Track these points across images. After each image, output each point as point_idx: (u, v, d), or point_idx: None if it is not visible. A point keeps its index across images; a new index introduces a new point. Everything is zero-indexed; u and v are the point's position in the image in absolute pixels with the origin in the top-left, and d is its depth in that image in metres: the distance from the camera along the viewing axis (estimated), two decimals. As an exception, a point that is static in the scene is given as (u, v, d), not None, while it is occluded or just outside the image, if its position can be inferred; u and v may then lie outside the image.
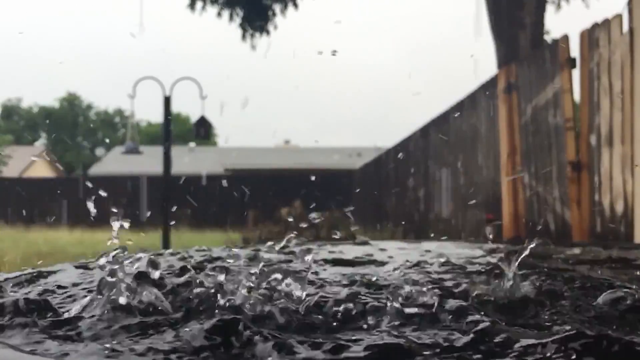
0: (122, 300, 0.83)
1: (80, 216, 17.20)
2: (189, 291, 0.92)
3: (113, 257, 0.94)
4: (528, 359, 0.63)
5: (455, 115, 9.26)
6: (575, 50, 5.64)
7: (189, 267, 1.09)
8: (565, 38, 5.81)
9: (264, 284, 0.91)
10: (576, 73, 5.61)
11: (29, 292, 1.04)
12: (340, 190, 19.70)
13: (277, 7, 13.28)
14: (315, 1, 14.11)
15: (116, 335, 0.74)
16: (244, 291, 0.86)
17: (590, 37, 5.32)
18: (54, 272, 1.28)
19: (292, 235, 1.69)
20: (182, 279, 0.99)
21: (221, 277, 0.94)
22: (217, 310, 0.83)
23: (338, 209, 14.29)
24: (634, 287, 0.97)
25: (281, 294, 0.89)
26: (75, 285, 1.10)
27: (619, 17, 4.98)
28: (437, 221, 10.32)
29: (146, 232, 15.44)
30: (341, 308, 0.84)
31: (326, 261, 1.45)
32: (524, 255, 1.02)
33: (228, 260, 1.37)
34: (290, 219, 13.31)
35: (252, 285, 0.88)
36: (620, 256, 1.55)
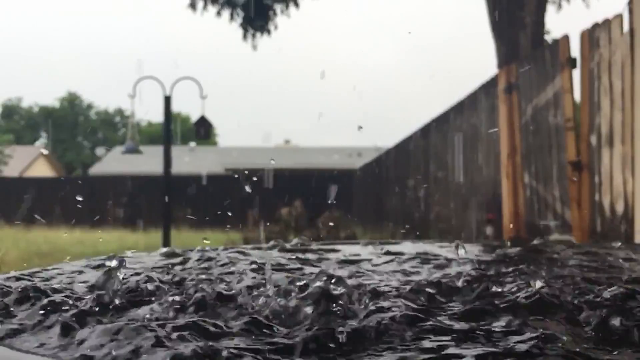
0: None
1: (80, 216, 17.20)
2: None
3: None
4: None
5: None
6: (575, 50, 5.65)
7: None
8: (566, 38, 5.81)
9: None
10: (577, 73, 5.62)
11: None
12: (340, 190, 19.71)
13: (278, 7, 13.29)
14: (316, 1, 14.12)
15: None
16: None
17: (590, 37, 5.32)
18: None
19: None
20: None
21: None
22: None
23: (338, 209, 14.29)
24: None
25: None
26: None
27: (619, 17, 4.98)
28: (438, 221, 10.32)
29: (147, 231, 15.44)
30: None
31: None
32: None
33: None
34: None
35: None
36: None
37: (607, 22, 5.11)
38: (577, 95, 5.67)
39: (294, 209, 14.21)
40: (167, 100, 11.96)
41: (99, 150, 42.62)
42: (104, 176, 26.47)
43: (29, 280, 1.09)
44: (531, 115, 6.50)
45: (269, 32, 13.38)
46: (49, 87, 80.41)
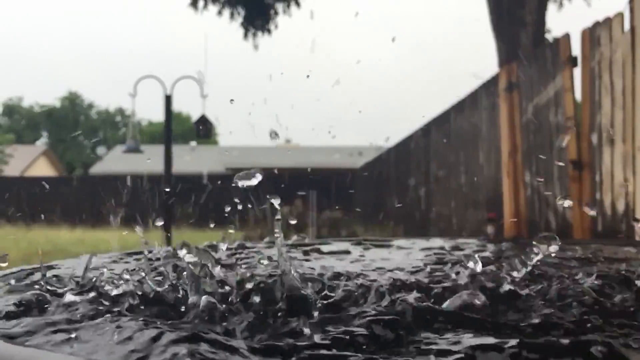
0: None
1: (81, 215, 17.21)
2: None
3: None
4: None
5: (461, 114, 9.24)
6: (576, 49, 5.64)
7: None
8: (567, 37, 5.81)
9: None
10: (577, 72, 5.61)
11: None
12: (341, 190, 19.72)
13: (279, 6, 13.28)
14: (317, 1, 14.11)
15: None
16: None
17: (591, 35, 5.32)
18: None
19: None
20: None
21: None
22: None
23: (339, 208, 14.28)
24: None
25: None
26: None
27: (620, 15, 4.97)
28: (438, 220, 10.32)
29: (148, 230, 15.41)
30: None
31: None
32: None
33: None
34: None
35: None
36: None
37: (608, 21, 5.10)
38: (577, 94, 5.67)
39: (295, 208, 14.20)
40: (168, 99, 11.96)
41: (100, 149, 42.63)
42: (104, 175, 26.47)
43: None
44: (532, 114, 6.50)
45: (269, 31, 13.37)
46: (49, 86, 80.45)
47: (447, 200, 9.77)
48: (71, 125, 56.99)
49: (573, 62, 5.68)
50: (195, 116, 13.97)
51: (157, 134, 42.04)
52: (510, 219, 6.92)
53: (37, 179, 27.87)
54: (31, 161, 38.77)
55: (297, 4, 13.28)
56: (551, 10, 11.87)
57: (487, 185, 7.96)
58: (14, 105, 58.09)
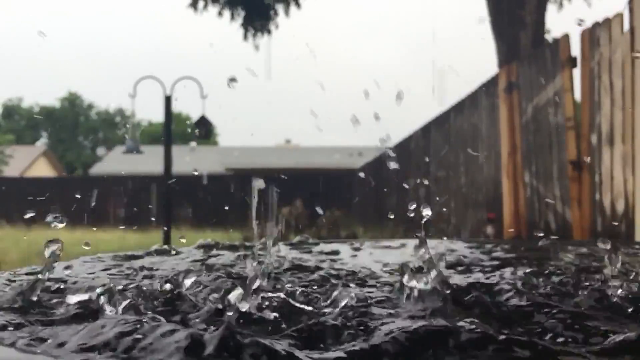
0: None
1: (81, 216, 17.21)
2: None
3: None
4: None
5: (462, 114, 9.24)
6: (576, 49, 5.65)
7: None
8: (566, 37, 5.81)
9: None
10: (577, 72, 5.62)
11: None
12: (341, 190, 19.73)
13: (279, 7, 13.28)
14: (317, 1, 14.12)
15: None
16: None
17: (591, 36, 5.32)
18: None
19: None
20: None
21: None
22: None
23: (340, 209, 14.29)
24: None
25: None
26: None
27: (619, 16, 4.98)
28: (438, 220, 10.32)
29: (147, 231, 15.45)
30: None
31: None
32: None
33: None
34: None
35: None
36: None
37: (607, 21, 5.11)
38: (577, 95, 5.67)
39: (295, 208, 14.21)
40: (168, 100, 11.97)
41: (100, 150, 42.61)
42: (104, 176, 26.47)
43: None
44: (532, 115, 6.50)
45: (269, 32, 13.38)
46: (49, 87, 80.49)
47: (447, 201, 9.77)
48: (71, 126, 56.99)
49: (573, 62, 5.68)
50: (195, 116, 13.96)
51: (157, 134, 42.05)
52: (510, 219, 6.92)
53: (37, 179, 27.85)
54: (31, 162, 38.76)
55: (298, 4, 13.29)
56: (551, 11, 11.87)
57: (487, 186, 7.96)
58: (13, 105, 58.06)
